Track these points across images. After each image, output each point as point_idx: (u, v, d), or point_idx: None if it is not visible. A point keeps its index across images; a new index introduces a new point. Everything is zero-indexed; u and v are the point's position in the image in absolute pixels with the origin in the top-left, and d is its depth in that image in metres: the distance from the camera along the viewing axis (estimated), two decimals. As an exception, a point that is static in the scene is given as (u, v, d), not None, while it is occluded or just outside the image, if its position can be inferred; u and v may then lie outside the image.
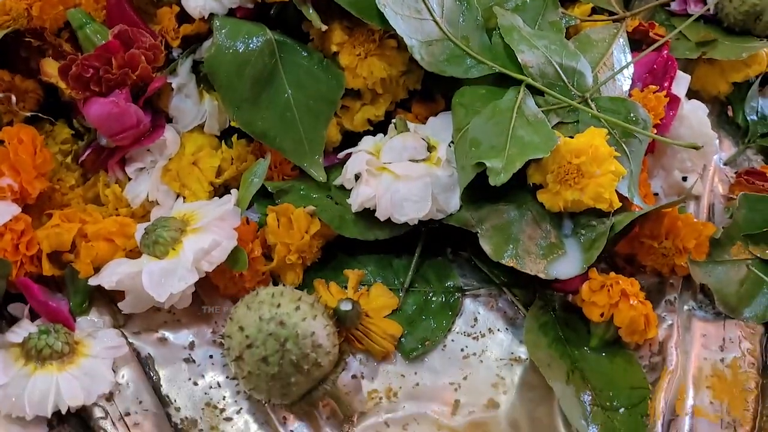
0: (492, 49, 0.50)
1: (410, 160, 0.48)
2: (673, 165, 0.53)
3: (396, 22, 0.48)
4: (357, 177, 0.49)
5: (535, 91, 0.48)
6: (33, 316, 0.45)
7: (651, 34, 0.54)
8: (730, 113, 0.60)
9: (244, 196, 0.46)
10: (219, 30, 0.49)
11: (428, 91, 0.55)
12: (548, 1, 0.52)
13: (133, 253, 0.46)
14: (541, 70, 0.49)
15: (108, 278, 0.44)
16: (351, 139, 0.53)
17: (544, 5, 0.52)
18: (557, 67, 0.49)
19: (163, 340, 0.47)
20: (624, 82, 0.50)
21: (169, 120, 0.51)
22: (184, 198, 0.50)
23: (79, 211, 0.47)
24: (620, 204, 0.45)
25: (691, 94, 0.56)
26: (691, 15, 0.58)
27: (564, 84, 0.49)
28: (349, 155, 0.51)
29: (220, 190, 0.51)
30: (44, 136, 0.49)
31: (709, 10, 0.58)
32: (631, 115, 0.48)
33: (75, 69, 0.45)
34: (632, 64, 0.52)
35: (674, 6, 0.59)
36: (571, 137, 0.46)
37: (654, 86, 0.50)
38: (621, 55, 0.52)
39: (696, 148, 0.43)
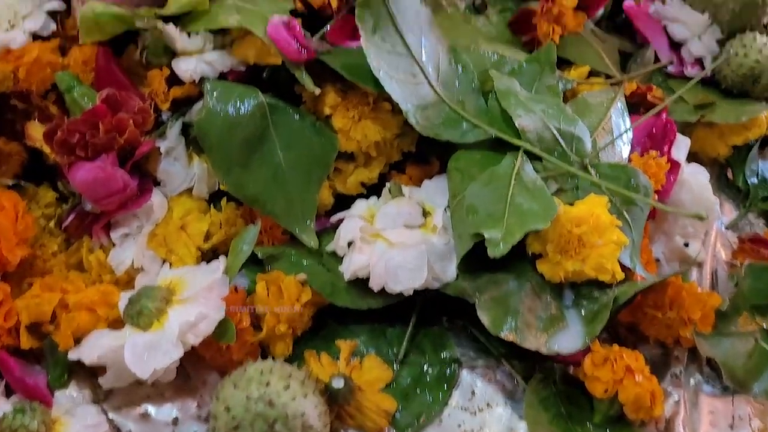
0: (488, 113, 0.49)
1: (405, 227, 0.47)
2: (674, 230, 0.52)
3: (391, 87, 0.47)
4: (350, 244, 0.47)
5: (533, 157, 0.47)
6: (8, 392, 0.43)
7: (649, 97, 0.54)
8: (730, 175, 0.59)
9: (233, 265, 0.45)
10: (210, 93, 0.48)
11: (423, 153, 0.53)
12: (545, 64, 0.51)
13: (116, 323, 0.44)
14: (539, 135, 0.48)
15: (89, 353, 0.41)
16: (344, 201, 0.52)
17: (540, 69, 0.51)
18: (555, 131, 0.48)
19: (146, 416, 0.44)
20: (623, 147, 0.50)
21: (157, 183, 0.49)
22: (171, 264, 0.48)
23: (60, 279, 0.45)
24: (623, 275, 0.44)
25: (691, 156, 0.55)
26: (688, 77, 0.57)
27: (562, 149, 0.47)
28: (341, 220, 0.49)
29: (208, 254, 0.50)
30: (27, 200, 0.48)
31: (707, 74, 0.57)
32: (632, 182, 0.46)
33: (60, 134, 0.44)
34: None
35: (671, 68, 0.58)
36: (571, 204, 0.45)
37: (654, 152, 0.49)
38: (619, 119, 0.51)
39: (701, 218, 0.42)
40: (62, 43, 0.50)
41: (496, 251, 0.41)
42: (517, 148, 0.47)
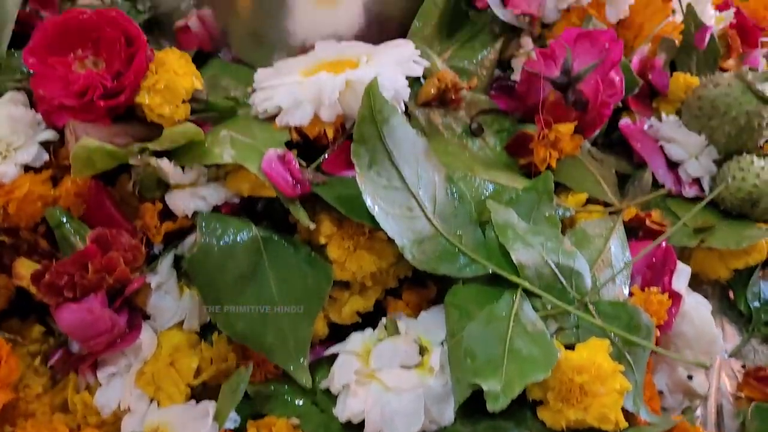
0: (486, 245, 0.48)
1: (401, 367, 0.46)
2: (677, 362, 0.50)
3: (387, 223, 0.46)
4: (344, 385, 0.46)
5: (532, 293, 0.46)
6: None
7: (648, 222, 0.53)
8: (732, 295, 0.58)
9: (223, 411, 0.43)
10: (203, 229, 0.47)
11: (419, 278, 0.53)
12: (542, 193, 0.51)
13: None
14: (538, 271, 0.47)
15: None
16: (338, 327, 0.51)
17: (538, 198, 0.50)
18: (554, 267, 0.47)
19: None
20: (624, 282, 0.49)
21: (147, 317, 0.48)
22: (159, 402, 0.46)
23: (43, 425, 0.44)
24: (626, 424, 0.42)
25: (691, 276, 0.55)
26: (686, 197, 0.57)
27: (562, 286, 0.47)
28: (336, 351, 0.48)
29: (197, 389, 0.48)
30: (12, 334, 0.47)
31: (705, 194, 0.57)
32: (633, 321, 0.45)
33: (48, 277, 0.43)
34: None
35: (669, 186, 0.58)
36: (572, 345, 0.44)
37: (656, 288, 0.48)
38: (619, 250, 0.50)
39: (705, 367, 0.41)
40: (54, 172, 0.49)
41: (495, 405, 0.40)
42: (515, 284, 0.46)
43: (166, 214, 0.48)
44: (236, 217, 0.48)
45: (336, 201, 0.48)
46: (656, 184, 0.58)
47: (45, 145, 0.49)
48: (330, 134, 0.49)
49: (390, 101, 0.48)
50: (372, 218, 0.46)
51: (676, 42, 0.64)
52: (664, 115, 0.61)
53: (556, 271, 0.47)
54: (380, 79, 0.48)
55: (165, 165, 0.46)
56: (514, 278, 0.46)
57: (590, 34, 0.55)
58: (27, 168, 0.48)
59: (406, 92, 0.50)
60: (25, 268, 0.45)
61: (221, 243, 0.47)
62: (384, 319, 0.48)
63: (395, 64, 0.51)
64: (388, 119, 0.47)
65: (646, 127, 0.60)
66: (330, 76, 0.49)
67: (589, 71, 0.53)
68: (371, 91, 0.46)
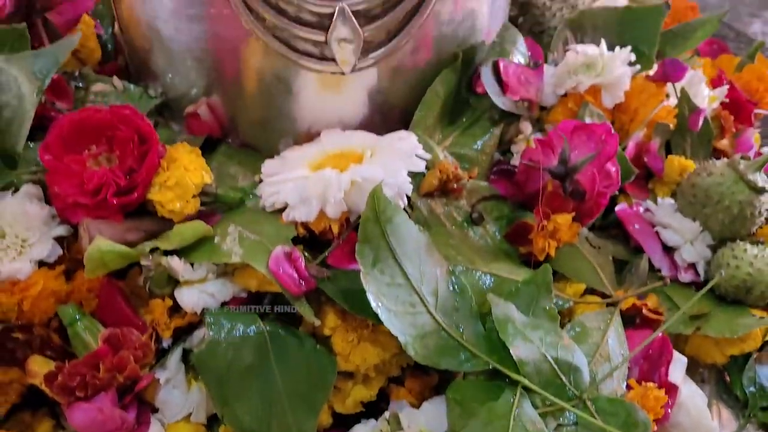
0: (487, 338, 0.50)
1: (404, 463, 0.47)
2: (675, 451, 0.51)
3: (390, 320, 0.47)
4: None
5: (531, 389, 0.47)
6: None
7: (644, 311, 0.54)
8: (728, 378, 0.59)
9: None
10: (211, 326, 0.48)
11: (422, 365, 0.53)
12: (541, 286, 0.52)
13: None
14: (537, 367, 0.48)
15: None
16: (341, 416, 0.52)
17: (537, 291, 0.52)
18: (553, 363, 0.48)
19: None
20: (621, 376, 0.50)
21: (155, 410, 0.49)
22: (165, 496, 0.47)
23: None
24: None
25: (687, 361, 0.56)
26: (682, 282, 0.59)
27: (561, 382, 0.48)
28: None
29: (203, 478, 0.49)
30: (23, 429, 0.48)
31: (700, 278, 0.58)
32: (630, 418, 0.46)
33: (61, 378, 0.44)
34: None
35: (665, 271, 0.59)
36: (570, 444, 0.45)
37: (652, 384, 0.49)
38: (616, 344, 0.51)
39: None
40: (67, 266, 0.51)
41: None
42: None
43: (175, 308, 0.49)
44: (243, 312, 0.50)
45: (340, 296, 0.49)
46: (653, 267, 0.60)
47: (59, 239, 0.51)
48: (335, 229, 0.51)
49: (393, 198, 0.50)
50: (375, 315, 0.48)
51: (671, 126, 0.66)
52: (659, 198, 0.63)
53: (555, 366, 0.48)
54: (384, 178, 0.50)
55: (175, 264, 0.48)
56: (514, 375, 0.47)
57: (587, 127, 0.56)
58: (41, 263, 0.50)
59: (408, 188, 0.52)
60: (38, 366, 0.47)
61: (229, 338, 0.48)
62: (386, 415, 0.49)
63: (398, 160, 0.52)
64: (391, 219, 0.48)
65: (641, 210, 0.62)
66: (336, 174, 0.51)
67: (586, 163, 0.55)
68: (376, 194, 0.47)
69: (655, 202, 0.63)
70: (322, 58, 0.55)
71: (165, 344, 0.50)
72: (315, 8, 0.53)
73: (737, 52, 0.96)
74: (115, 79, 0.62)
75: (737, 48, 1.02)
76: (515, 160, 0.61)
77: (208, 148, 0.61)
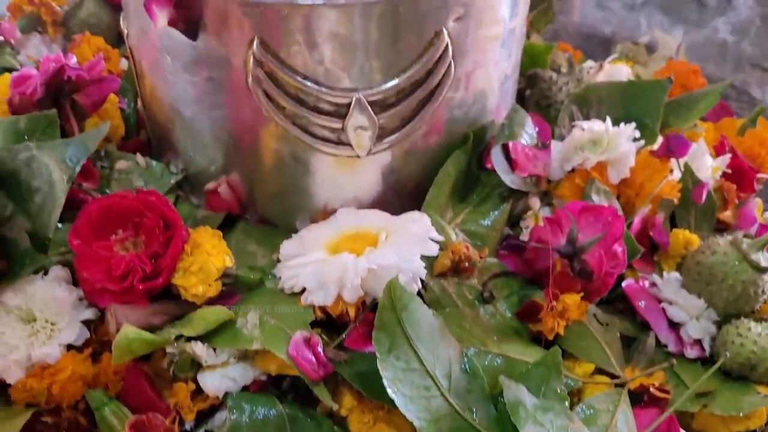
0: (499, 421, 0.51)
1: None
2: None
3: (405, 405, 0.49)
4: None
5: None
6: None
7: (651, 390, 0.56)
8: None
9: None
10: (233, 410, 0.50)
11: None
12: (552, 368, 0.53)
13: None
14: (548, 451, 0.49)
15: None
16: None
17: (547, 373, 0.53)
18: (563, 447, 0.50)
19: None
20: (630, 460, 0.51)
21: (178, 490, 0.51)
22: None
23: None
24: None
25: (695, 434, 0.57)
26: (688, 357, 0.60)
27: (571, 468, 0.49)
28: None
29: None
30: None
31: (706, 354, 0.60)
32: (639, 502, 0.48)
33: (89, 466, 0.46)
34: (636, 432, 0.53)
35: (671, 347, 0.61)
36: None
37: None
38: (624, 426, 0.53)
39: None
40: (93, 348, 0.52)
41: None
42: (527, 468, 0.49)
43: (198, 391, 0.51)
44: (264, 394, 0.52)
45: (356, 380, 0.51)
46: (659, 343, 0.61)
47: (86, 322, 0.53)
48: (352, 313, 0.53)
49: (408, 283, 0.52)
50: (391, 399, 0.49)
51: (675, 201, 0.67)
52: (665, 272, 0.64)
53: (566, 452, 0.49)
54: (399, 263, 0.52)
55: (199, 350, 0.50)
56: (525, 464, 0.49)
57: (594, 209, 0.59)
58: (69, 346, 0.52)
59: (422, 272, 0.54)
60: (66, 451, 0.48)
61: (250, 421, 0.50)
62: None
63: (412, 245, 0.54)
64: (407, 306, 0.50)
65: (647, 285, 0.63)
66: (353, 259, 0.53)
67: (593, 244, 0.57)
68: (392, 285, 0.49)
69: (661, 275, 0.64)
70: (339, 143, 0.58)
71: (188, 426, 0.51)
72: (333, 98, 0.56)
73: (740, 112, 0.99)
74: (138, 157, 0.65)
75: (740, 108, 1.05)
76: (524, 236, 0.63)
77: (227, 223, 0.64)
